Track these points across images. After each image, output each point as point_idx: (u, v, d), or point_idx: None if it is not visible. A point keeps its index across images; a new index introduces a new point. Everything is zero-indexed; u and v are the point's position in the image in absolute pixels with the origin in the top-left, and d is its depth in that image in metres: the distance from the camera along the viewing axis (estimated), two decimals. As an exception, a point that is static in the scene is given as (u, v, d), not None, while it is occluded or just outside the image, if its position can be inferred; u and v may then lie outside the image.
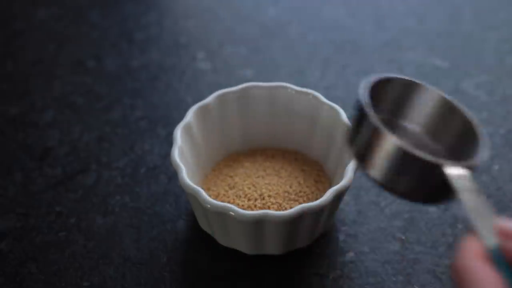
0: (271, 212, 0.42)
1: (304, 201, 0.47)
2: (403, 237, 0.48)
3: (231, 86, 0.51)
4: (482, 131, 0.36)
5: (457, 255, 0.31)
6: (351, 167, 0.45)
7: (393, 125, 0.39)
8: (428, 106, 0.39)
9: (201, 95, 0.60)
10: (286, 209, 0.46)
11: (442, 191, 0.33)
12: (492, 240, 0.30)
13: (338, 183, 0.45)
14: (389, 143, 0.33)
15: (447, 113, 0.38)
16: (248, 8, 0.70)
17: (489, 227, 0.31)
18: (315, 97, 0.50)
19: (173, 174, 0.53)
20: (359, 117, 0.35)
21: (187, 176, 0.44)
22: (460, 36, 0.66)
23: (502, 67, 0.63)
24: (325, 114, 0.50)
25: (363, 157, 0.35)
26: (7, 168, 0.54)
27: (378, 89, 0.37)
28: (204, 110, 0.50)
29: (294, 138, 0.52)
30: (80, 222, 0.50)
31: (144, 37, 0.66)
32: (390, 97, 0.39)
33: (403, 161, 0.33)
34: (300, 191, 0.48)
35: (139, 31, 0.67)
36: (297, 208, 0.42)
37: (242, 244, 0.45)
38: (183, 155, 0.47)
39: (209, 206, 0.43)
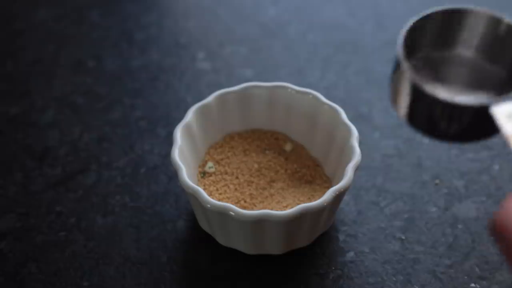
0: (271, 212, 0.42)
1: (304, 201, 0.47)
2: (403, 237, 0.48)
3: (231, 86, 0.51)
4: None
5: (499, 212, 0.29)
6: (351, 167, 0.45)
7: (443, 57, 0.37)
8: (478, 29, 0.37)
9: (201, 95, 0.60)
10: (286, 209, 0.46)
11: (491, 128, 0.33)
12: None
13: (338, 183, 0.45)
14: (429, 97, 0.33)
15: (500, 32, 0.36)
16: (248, 8, 0.70)
17: None
18: (315, 97, 0.50)
19: (173, 174, 0.53)
20: (397, 73, 0.35)
21: (187, 176, 0.44)
22: (460, 36, 0.66)
23: (502, 67, 0.63)
24: (325, 114, 0.50)
25: (407, 110, 0.35)
26: (7, 168, 0.54)
27: (419, 30, 0.36)
28: (204, 110, 0.50)
29: (294, 138, 0.52)
30: (80, 222, 0.50)
31: (144, 37, 0.66)
32: (435, 32, 0.37)
33: (446, 111, 0.33)
34: (300, 191, 0.48)
35: (139, 31, 0.67)
36: (297, 208, 0.42)
37: (242, 244, 0.45)
38: (183, 155, 0.47)
39: (209, 206, 0.43)
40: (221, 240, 0.46)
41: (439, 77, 0.37)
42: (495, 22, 0.36)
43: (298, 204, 0.46)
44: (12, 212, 0.51)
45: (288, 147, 0.52)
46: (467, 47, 0.37)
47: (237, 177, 0.49)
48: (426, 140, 0.55)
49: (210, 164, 0.50)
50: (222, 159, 0.50)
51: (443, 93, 0.35)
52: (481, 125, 0.33)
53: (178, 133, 0.47)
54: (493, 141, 0.55)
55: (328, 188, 0.48)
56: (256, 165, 0.50)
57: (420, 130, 0.35)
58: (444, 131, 0.34)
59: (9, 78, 0.62)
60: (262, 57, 0.64)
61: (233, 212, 0.42)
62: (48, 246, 0.48)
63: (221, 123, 0.51)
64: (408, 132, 0.56)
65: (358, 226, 0.49)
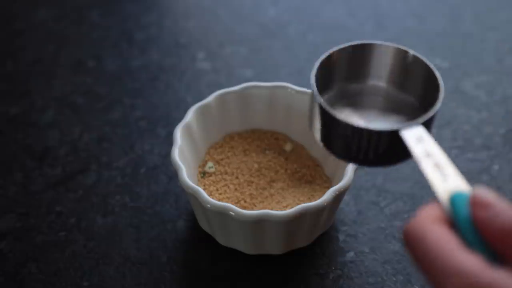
0: (271, 212, 0.42)
1: (304, 201, 0.47)
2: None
3: (231, 86, 0.51)
4: (439, 76, 0.36)
5: (410, 220, 0.28)
6: (351, 167, 0.45)
7: (357, 88, 0.39)
8: (387, 61, 0.39)
9: (201, 95, 0.60)
10: (286, 209, 0.46)
11: (403, 152, 0.34)
12: (449, 193, 0.29)
13: (338, 183, 0.45)
14: (342, 124, 0.34)
15: (407, 63, 0.38)
16: (248, 8, 0.70)
17: (448, 184, 0.30)
18: (315, 97, 0.50)
19: (173, 174, 0.53)
20: (311, 102, 0.37)
21: (187, 176, 0.44)
22: (460, 36, 0.66)
23: (501, 67, 0.63)
24: (325, 114, 0.50)
25: (324, 137, 0.36)
26: (7, 168, 0.54)
27: (332, 63, 0.38)
28: (204, 110, 0.50)
29: (294, 138, 0.52)
30: (80, 222, 0.50)
31: (144, 37, 0.66)
32: (347, 65, 0.39)
33: (358, 136, 0.34)
34: (300, 191, 0.48)
35: (139, 31, 0.67)
36: (297, 208, 0.42)
37: (242, 244, 0.45)
38: (183, 155, 0.47)
39: (209, 206, 0.43)
40: (221, 240, 0.46)
41: (355, 107, 0.39)
42: (401, 54, 0.38)
43: (298, 204, 0.46)
44: (12, 212, 0.51)
45: (288, 147, 0.52)
46: (379, 78, 0.39)
47: (237, 177, 0.49)
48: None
49: (210, 164, 0.50)
50: (222, 159, 0.50)
51: (356, 120, 0.36)
52: (395, 149, 0.34)
53: (178, 133, 0.47)
54: (493, 141, 0.55)
55: (328, 188, 0.48)
56: (256, 165, 0.50)
57: (339, 156, 0.36)
58: (360, 156, 0.35)
59: (9, 78, 0.62)
60: (262, 57, 0.64)
61: (233, 212, 0.42)
62: (48, 246, 0.48)
63: (221, 123, 0.51)
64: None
65: (358, 226, 0.49)
